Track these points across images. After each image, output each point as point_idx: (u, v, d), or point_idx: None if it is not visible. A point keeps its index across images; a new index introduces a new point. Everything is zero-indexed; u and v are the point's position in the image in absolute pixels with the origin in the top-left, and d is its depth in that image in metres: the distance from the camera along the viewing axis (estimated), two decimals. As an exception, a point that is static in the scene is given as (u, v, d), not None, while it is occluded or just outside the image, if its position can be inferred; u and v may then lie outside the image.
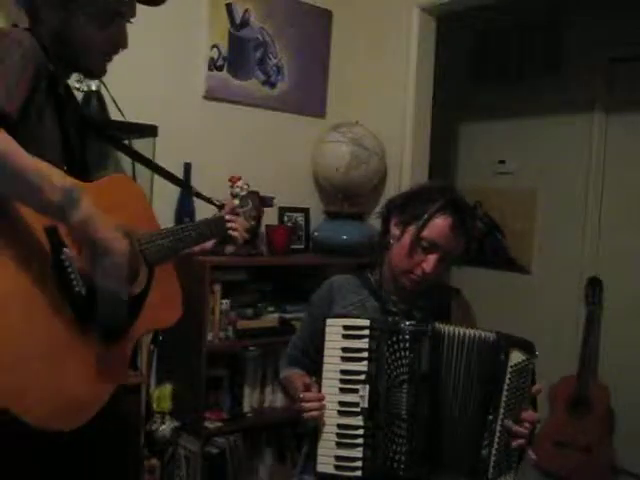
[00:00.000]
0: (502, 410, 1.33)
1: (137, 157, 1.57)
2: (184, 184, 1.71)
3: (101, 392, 1.21)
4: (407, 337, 1.36)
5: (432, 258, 1.49)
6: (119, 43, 1.30)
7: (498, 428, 1.33)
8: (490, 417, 1.33)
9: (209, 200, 1.65)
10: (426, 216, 1.48)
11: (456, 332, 1.38)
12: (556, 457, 3.00)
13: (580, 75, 3.27)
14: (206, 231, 1.49)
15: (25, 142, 1.02)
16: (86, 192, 1.08)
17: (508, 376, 1.33)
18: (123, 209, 1.28)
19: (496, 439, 1.33)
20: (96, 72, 1.33)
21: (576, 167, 3.30)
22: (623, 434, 3.02)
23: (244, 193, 1.66)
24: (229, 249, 1.55)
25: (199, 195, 1.66)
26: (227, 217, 1.55)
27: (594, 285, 3.15)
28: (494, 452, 1.33)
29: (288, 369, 1.68)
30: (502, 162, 3.63)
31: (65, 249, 1.12)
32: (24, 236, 1.08)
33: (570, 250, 3.32)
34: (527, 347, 1.37)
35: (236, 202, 1.63)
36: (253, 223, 1.67)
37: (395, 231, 1.56)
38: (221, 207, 1.61)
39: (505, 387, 1.33)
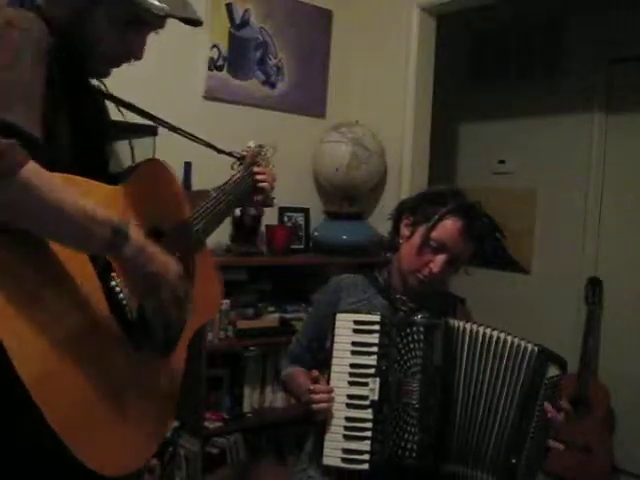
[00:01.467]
0: (535, 420, 1.35)
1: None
2: (199, 138, 1.67)
3: (165, 415, 1.19)
4: (421, 329, 1.39)
5: (440, 259, 1.51)
6: (134, 52, 1.18)
7: (529, 437, 1.35)
8: (523, 425, 1.35)
9: (229, 153, 1.61)
10: (437, 217, 1.51)
11: (470, 329, 1.40)
12: (556, 457, 3.00)
13: (580, 75, 3.27)
14: (239, 191, 1.45)
15: (45, 154, 0.95)
16: (131, 224, 1.00)
17: (543, 388, 1.35)
18: (158, 197, 1.23)
19: (526, 447, 1.34)
20: (98, 73, 1.23)
21: (576, 167, 3.30)
22: (623, 434, 3.02)
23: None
24: (258, 198, 1.51)
25: (218, 149, 1.59)
26: (255, 169, 1.50)
27: (594, 285, 3.15)
28: (523, 460, 1.34)
29: (290, 367, 1.68)
30: (502, 162, 3.63)
31: (113, 274, 1.06)
32: (71, 264, 1.00)
33: (570, 250, 3.31)
34: (563, 363, 1.40)
35: (254, 148, 1.60)
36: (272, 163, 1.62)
37: (405, 232, 1.59)
38: (242, 158, 1.57)
39: (540, 398, 1.35)
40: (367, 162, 2.86)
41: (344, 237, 2.85)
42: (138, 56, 1.19)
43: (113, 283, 1.06)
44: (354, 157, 2.83)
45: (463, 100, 3.76)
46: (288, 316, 2.71)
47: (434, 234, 1.51)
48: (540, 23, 3.47)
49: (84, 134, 1.16)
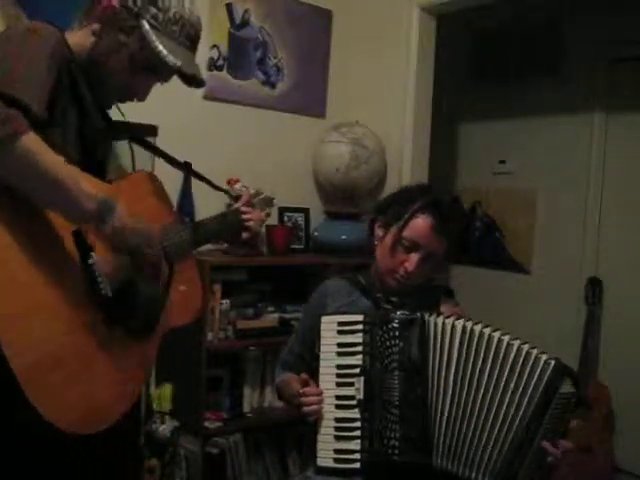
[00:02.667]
0: (542, 431, 1.33)
1: (154, 150, 1.61)
2: (202, 176, 1.73)
3: (128, 393, 1.24)
4: (396, 325, 1.40)
5: (414, 257, 1.51)
6: (137, 94, 1.33)
7: (534, 448, 1.33)
8: (528, 434, 1.33)
9: (225, 191, 1.68)
10: (407, 216, 1.51)
11: (451, 324, 1.39)
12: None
13: (580, 75, 3.26)
14: (223, 224, 1.51)
15: (50, 141, 1.05)
16: (118, 198, 1.12)
17: (555, 401, 1.33)
18: (143, 206, 1.31)
19: (529, 457, 1.32)
20: (103, 103, 1.35)
21: (576, 167, 3.30)
22: (623, 434, 3.02)
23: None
24: (246, 237, 1.54)
25: (215, 186, 1.68)
26: (243, 209, 1.55)
27: (594, 285, 3.15)
28: (526, 470, 1.32)
29: (283, 374, 1.69)
30: (502, 162, 3.63)
31: (92, 253, 1.14)
32: (52, 241, 1.11)
33: (570, 250, 3.31)
34: (577, 380, 1.37)
35: (252, 191, 1.63)
36: (268, 211, 1.67)
37: (379, 232, 1.59)
38: (237, 198, 1.62)
39: (549, 412, 1.33)
40: (367, 162, 2.85)
41: (344, 237, 2.84)
42: (141, 99, 1.35)
43: (91, 261, 1.14)
44: (354, 157, 2.83)
45: (463, 100, 3.76)
46: (288, 316, 2.70)
47: (405, 233, 1.51)
48: (540, 23, 3.47)
49: (90, 142, 1.27)
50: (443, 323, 1.40)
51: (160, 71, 1.31)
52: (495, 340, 1.37)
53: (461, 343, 1.38)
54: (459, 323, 1.39)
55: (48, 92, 1.10)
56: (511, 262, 3.59)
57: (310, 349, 1.58)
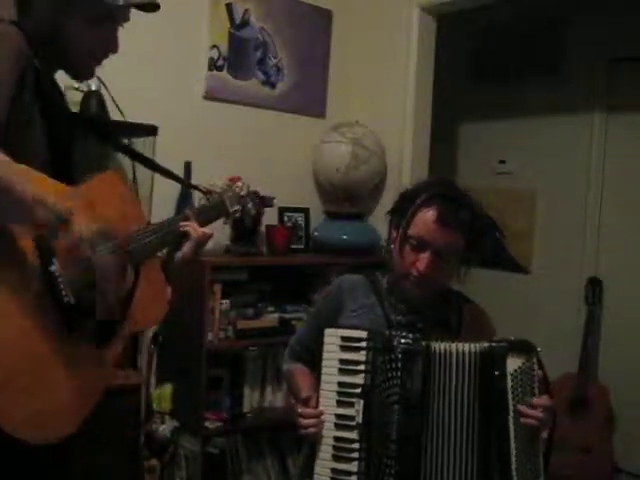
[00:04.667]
0: (512, 421, 1.28)
1: (135, 156, 1.56)
2: (183, 181, 1.70)
3: (92, 395, 1.22)
4: (399, 356, 1.32)
5: (424, 256, 1.40)
6: (109, 47, 1.28)
7: (513, 444, 1.28)
8: (495, 436, 1.28)
9: (196, 187, 1.65)
10: (409, 213, 1.42)
11: (451, 350, 1.32)
12: (556, 457, 3.00)
13: (580, 75, 3.27)
14: (164, 231, 1.42)
15: (15, 143, 1.03)
16: (78, 211, 1.09)
17: (510, 385, 1.29)
18: (109, 208, 1.27)
19: (513, 451, 1.28)
20: (83, 74, 1.31)
21: (576, 167, 3.30)
22: (623, 434, 3.02)
23: (244, 193, 1.65)
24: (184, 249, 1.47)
25: (187, 184, 1.66)
26: (182, 222, 1.44)
27: (594, 285, 3.15)
28: (514, 465, 1.28)
29: (291, 363, 1.66)
30: (502, 162, 3.63)
31: (54, 259, 1.12)
32: (12, 246, 1.09)
33: (570, 250, 3.31)
34: (523, 348, 1.31)
35: (224, 187, 1.59)
36: (237, 208, 1.57)
37: (393, 233, 1.51)
38: (208, 193, 1.59)
39: (510, 398, 1.28)
40: (367, 162, 2.86)
41: (344, 237, 2.84)
42: (114, 49, 1.29)
43: (53, 268, 1.12)
44: (354, 157, 2.83)
45: (463, 100, 3.76)
46: (288, 316, 2.71)
47: (410, 231, 1.41)
48: (540, 23, 3.47)
49: (55, 133, 1.22)
50: (449, 352, 1.32)
51: (116, 13, 1.26)
52: (461, 354, 1.31)
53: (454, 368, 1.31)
54: (464, 348, 1.32)
55: (10, 94, 1.06)
56: (511, 262, 3.59)
57: (318, 340, 1.48)
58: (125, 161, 1.88)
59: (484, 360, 1.31)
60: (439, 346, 1.32)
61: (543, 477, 1.31)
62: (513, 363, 1.29)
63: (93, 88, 2.13)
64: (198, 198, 2.52)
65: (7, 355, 1.07)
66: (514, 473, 1.27)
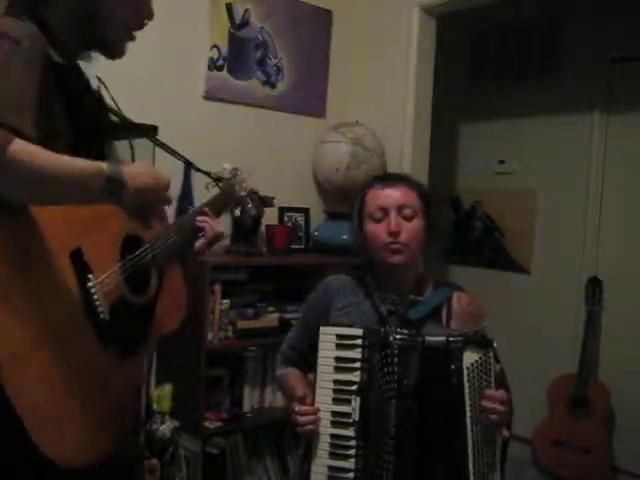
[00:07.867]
0: (469, 414, 1.29)
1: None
2: (189, 162, 1.71)
3: (124, 405, 1.22)
4: (396, 352, 1.34)
5: (389, 218, 1.49)
6: (145, 14, 1.26)
7: (469, 435, 1.29)
8: (455, 428, 1.30)
9: (207, 173, 1.68)
10: (359, 196, 1.58)
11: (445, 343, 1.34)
12: (556, 457, 3.01)
13: (580, 75, 3.27)
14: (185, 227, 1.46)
15: (40, 143, 1.01)
16: (122, 170, 1.12)
17: (466, 379, 1.30)
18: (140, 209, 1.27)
19: (470, 444, 1.29)
20: (117, 50, 1.28)
21: (576, 167, 3.30)
22: (623, 434, 3.02)
23: (244, 193, 1.66)
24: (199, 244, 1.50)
25: (196, 168, 1.69)
26: (199, 217, 1.49)
27: (594, 285, 3.15)
28: (471, 457, 1.29)
29: (283, 367, 1.67)
30: (502, 162, 3.63)
31: (90, 275, 1.12)
32: (49, 265, 1.06)
33: (570, 250, 3.31)
34: (479, 343, 1.33)
35: (231, 172, 1.65)
36: (243, 193, 1.66)
37: (360, 233, 1.59)
38: (218, 180, 1.64)
39: (466, 391, 1.30)
40: (367, 162, 2.85)
41: (344, 237, 2.83)
42: (149, 15, 1.28)
43: (90, 284, 1.12)
44: (354, 157, 2.83)
45: (463, 100, 3.76)
46: (288, 316, 2.70)
47: (367, 210, 1.54)
48: (540, 23, 3.47)
49: (84, 134, 1.21)
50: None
51: None
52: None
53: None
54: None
55: (34, 105, 1.03)
56: (511, 262, 3.59)
57: (308, 344, 1.53)
58: (126, 156, 1.88)
59: (441, 353, 1.33)
60: (436, 341, 1.35)
61: (499, 472, 1.32)
62: (469, 357, 1.31)
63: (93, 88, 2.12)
64: (198, 196, 2.54)
65: (57, 380, 1.05)
66: (471, 466, 1.28)
